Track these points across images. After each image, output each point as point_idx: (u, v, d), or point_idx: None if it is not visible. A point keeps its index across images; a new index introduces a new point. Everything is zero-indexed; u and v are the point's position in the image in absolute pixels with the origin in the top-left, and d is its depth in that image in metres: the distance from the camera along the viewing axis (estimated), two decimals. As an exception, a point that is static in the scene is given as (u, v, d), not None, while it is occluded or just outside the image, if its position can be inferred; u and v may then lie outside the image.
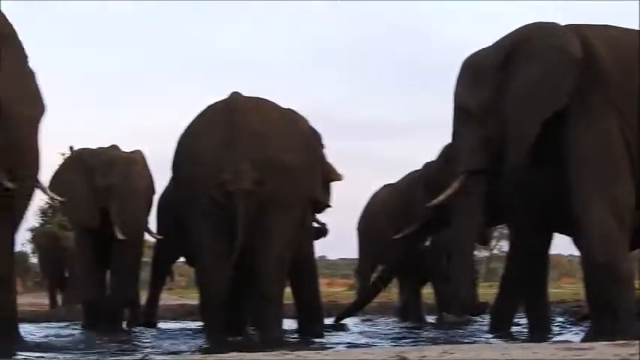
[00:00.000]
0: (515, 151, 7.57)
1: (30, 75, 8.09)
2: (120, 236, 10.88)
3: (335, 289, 26.34)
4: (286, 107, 9.32)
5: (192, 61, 69.51)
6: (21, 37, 7.71)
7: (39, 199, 12.43)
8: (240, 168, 8.22)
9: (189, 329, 11.40)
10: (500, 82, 7.69)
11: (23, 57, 7.91)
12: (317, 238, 10.51)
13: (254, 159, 8.27)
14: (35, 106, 8.05)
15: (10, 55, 7.68)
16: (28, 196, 8.11)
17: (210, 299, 8.58)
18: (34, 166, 8.02)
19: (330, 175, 10.23)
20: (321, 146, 10.16)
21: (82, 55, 63.40)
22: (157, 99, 64.63)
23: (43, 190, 8.42)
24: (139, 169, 11.51)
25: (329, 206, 10.30)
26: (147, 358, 6.63)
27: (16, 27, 7.56)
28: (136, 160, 11.57)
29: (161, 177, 11.97)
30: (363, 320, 13.30)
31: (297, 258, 9.17)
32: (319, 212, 10.35)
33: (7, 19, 7.11)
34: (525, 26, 7.78)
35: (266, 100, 8.97)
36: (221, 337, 8.54)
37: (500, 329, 9.14)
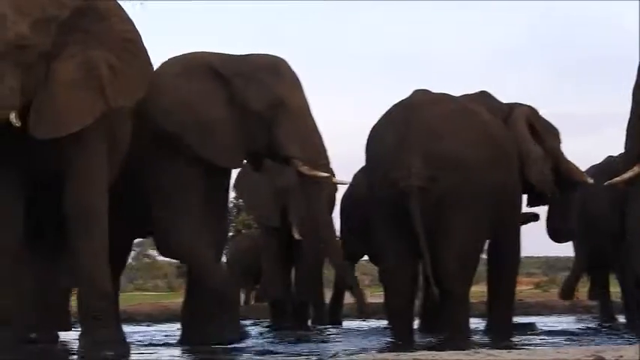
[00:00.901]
0: None
1: None
2: (297, 236, 10.88)
3: (520, 288, 25.80)
4: (506, 102, 9.27)
5: (384, 58, 69.61)
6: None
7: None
8: (411, 165, 8.02)
9: (374, 328, 11.34)
10: None
11: None
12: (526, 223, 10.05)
13: (426, 155, 8.04)
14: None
15: None
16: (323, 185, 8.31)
17: (395, 299, 8.50)
18: (324, 155, 8.21)
19: (570, 174, 9.60)
20: (559, 141, 9.73)
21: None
22: (345, 99, 65.02)
23: (330, 179, 8.49)
24: None
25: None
26: (336, 357, 6.60)
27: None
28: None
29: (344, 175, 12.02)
30: (553, 319, 12.95)
31: (498, 255, 9.03)
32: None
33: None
34: None
35: (449, 96, 8.77)
36: (407, 336, 8.44)
37: None
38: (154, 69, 7.80)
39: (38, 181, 7.05)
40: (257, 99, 8.07)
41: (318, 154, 8.20)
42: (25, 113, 6.58)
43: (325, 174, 8.11)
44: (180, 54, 8.40)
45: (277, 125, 8.06)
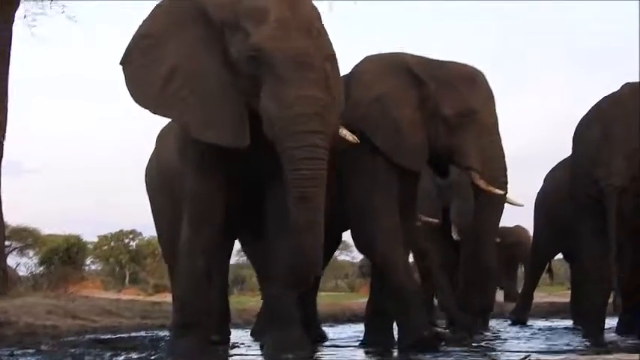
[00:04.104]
0: None
1: None
2: (455, 237, 10.54)
3: None
4: None
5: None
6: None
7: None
8: (613, 163, 7.81)
9: (561, 328, 11.01)
10: None
11: None
12: None
13: (629, 154, 7.81)
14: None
15: None
16: (502, 204, 8.16)
17: (590, 300, 8.30)
18: (504, 173, 8.10)
19: None
20: None
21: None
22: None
23: (504, 197, 8.24)
24: None
25: None
26: (529, 358, 6.43)
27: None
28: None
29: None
30: None
31: None
32: None
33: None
34: None
35: None
36: (599, 336, 8.19)
37: None
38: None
39: (239, 188, 7.03)
40: (449, 105, 7.92)
41: (497, 171, 8.04)
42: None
43: (500, 191, 7.96)
44: (381, 52, 8.38)
45: (463, 134, 7.92)
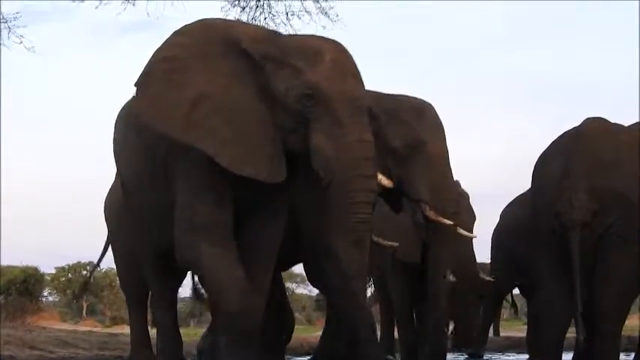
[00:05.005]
0: None
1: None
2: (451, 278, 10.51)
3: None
4: None
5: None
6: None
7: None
8: (575, 197, 7.87)
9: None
10: None
11: None
12: None
13: (591, 188, 7.88)
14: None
15: None
16: (453, 235, 8.23)
17: (547, 334, 8.32)
18: (454, 204, 8.18)
19: None
20: None
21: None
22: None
23: (454, 227, 8.30)
24: (466, 204, 11.12)
25: None
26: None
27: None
28: (462, 194, 11.23)
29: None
30: None
31: None
32: None
33: None
34: None
35: (621, 126, 8.45)
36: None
37: None
38: None
39: None
40: (397, 137, 8.04)
41: (447, 202, 8.11)
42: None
43: (450, 222, 8.01)
44: None
45: (412, 166, 8.03)
